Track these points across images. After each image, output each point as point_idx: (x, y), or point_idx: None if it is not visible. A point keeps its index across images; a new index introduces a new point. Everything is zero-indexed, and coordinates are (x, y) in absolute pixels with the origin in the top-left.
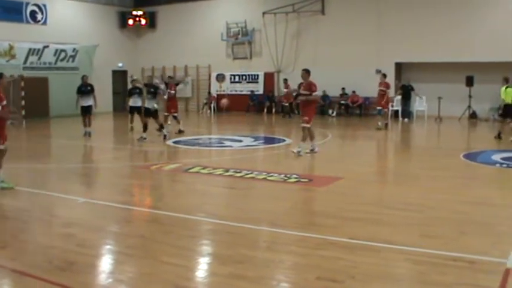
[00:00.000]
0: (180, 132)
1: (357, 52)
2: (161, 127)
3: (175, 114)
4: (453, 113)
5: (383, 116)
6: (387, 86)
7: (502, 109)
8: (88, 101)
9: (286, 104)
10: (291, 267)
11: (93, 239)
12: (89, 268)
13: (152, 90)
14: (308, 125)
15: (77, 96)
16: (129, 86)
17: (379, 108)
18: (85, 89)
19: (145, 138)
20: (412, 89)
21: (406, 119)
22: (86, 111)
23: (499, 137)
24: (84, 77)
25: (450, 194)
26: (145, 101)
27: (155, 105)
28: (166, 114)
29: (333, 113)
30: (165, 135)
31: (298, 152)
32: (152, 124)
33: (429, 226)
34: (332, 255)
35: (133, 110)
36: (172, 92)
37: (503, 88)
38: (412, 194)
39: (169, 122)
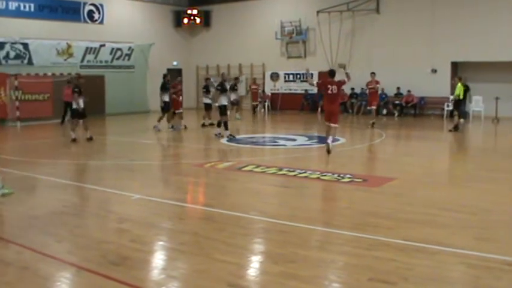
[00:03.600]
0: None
1: (412, 51)
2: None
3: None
4: (511, 114)
5: (372, 114)
6: (377, 83)
7: (453, 104)
8: (167, 97)
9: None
10: (342, 267)
11: (146, 235)
12: (142, 264)
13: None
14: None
15: (160, 92)
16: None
17: (373, 107)
18: (168, 86)
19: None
20: (468, 89)
21: (462, 120)
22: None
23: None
24: (167, 76)
25: (507, 196)
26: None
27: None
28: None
29: (396, 114)
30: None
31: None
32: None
33: (485, 229)
34: (385, 256)
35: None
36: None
37: (459, 84)
38: (468, 195)
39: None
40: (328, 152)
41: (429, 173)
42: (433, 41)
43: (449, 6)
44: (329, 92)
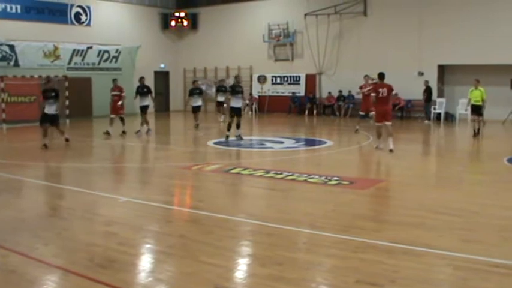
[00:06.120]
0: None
1: (399, 54)
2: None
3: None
4: (497, 117)
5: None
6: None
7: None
8: (145, 101)
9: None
10: (330, 269)
11: (134, 237)
12: (129, 266)
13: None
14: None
15: (136, 96)
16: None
17: (364, 113)
18: (142, 90)
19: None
20: (430, 92)
21: (426, 121)
22: (143, 110)
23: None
24: (142, 79)
25: (493, 199)
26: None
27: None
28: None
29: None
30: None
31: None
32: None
33: (471, 231)
34: (372, 258)
35: (196, 109)
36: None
37: (480, 88)
38: (454, 198)
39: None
40: (391, 151)
41: (416, 175)
42: (420, 44)
43: (436, 10)
44: (380, 95)
